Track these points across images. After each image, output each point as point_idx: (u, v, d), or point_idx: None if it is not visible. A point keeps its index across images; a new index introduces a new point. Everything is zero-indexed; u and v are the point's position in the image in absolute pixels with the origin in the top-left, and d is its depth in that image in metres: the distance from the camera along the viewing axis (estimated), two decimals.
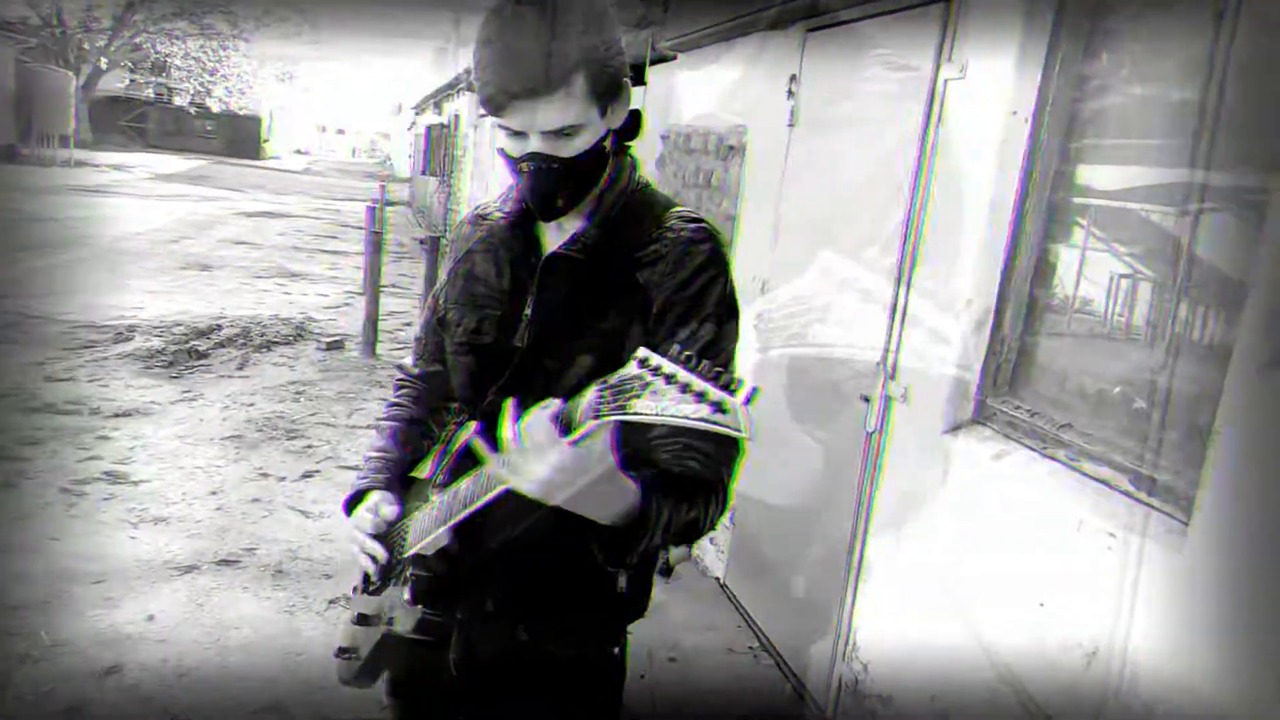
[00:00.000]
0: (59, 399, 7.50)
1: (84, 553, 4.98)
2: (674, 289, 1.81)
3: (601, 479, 1.53)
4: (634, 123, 1.94)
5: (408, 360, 2.34)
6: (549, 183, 1.79)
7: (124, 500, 5.70)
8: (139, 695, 3.84)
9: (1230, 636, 2.23)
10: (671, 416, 1.28)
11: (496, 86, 1.71)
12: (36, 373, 8.17)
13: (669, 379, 1.31)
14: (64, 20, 41.81)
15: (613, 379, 1.39)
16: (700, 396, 1.27)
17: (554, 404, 1.47)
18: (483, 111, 1.82)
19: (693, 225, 1.87)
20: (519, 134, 1.77)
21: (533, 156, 1.77)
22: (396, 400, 2.29)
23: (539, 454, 1.47)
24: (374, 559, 2.04)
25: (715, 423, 1.26)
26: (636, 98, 1.96)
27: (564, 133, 1.75)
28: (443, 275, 2.19)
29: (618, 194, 1.93)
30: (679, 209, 1.93)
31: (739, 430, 1.26)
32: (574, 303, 1.87)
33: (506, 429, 1.52)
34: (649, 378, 1.33)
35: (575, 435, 1.43)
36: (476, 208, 2.20)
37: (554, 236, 1.96)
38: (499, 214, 2.05)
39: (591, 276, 1.87)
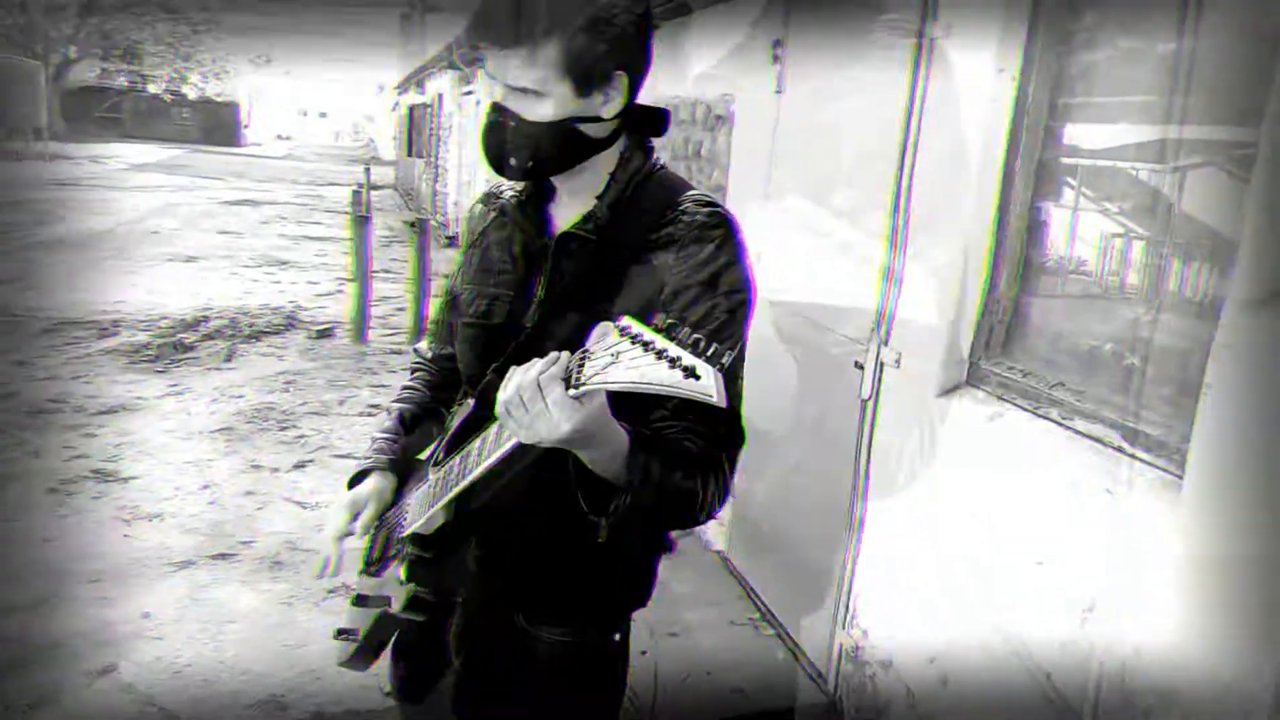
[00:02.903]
0: (41, 397, 7.44)
1: (77, 552, 4.94)
2: (687, 273, 1.78)
3: (592, 421, 1.51)
4: (657, 121, 1.97)
5: (423, 344, 2.35)
6: (500, 138, 1.83)
7: (115, 498, 5.65)
8: (135, 694, 3.81)
9: (1223, 588, 2.24)
10: (645, 383, 1.29)
11: (474, 28, 1.78)
12: (18, 371, 8.10)
13: (646, 346, 1.32)
14: (28, 7, 41.40)
15: (593, 346, 1.41)
16: (674, 362, 1.28)
17: (562, 359, 1.47)
18: (471, 89, 1.85)
19: (707, 209, 1.85)
20: (495, 84, 1.80)
21: (493, 107, 1.82)
22: (409, 383, 2.31)
23: (547, 407, 1.47)
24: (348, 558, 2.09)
25: (687, 389, 1.27)
26: None
27: (528, 92, 1.75)
28: (454, 256, 2.20)
29: (630, 175, 1.91)
30: (693, 192, 1.91)
31: (709, 395, 1.26)
32: (585, 283, 1.86)
33: (512, 377, 1.51)
34: (627, 346, 1.34)
35: (574, 392, 1.43)
36: (490, 187, 2.20)
37: (565, 216, 1.95)
38: (511, 193, 2.04)
39: (603, 257, 1.86)
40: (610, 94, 1.82)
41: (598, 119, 1.83)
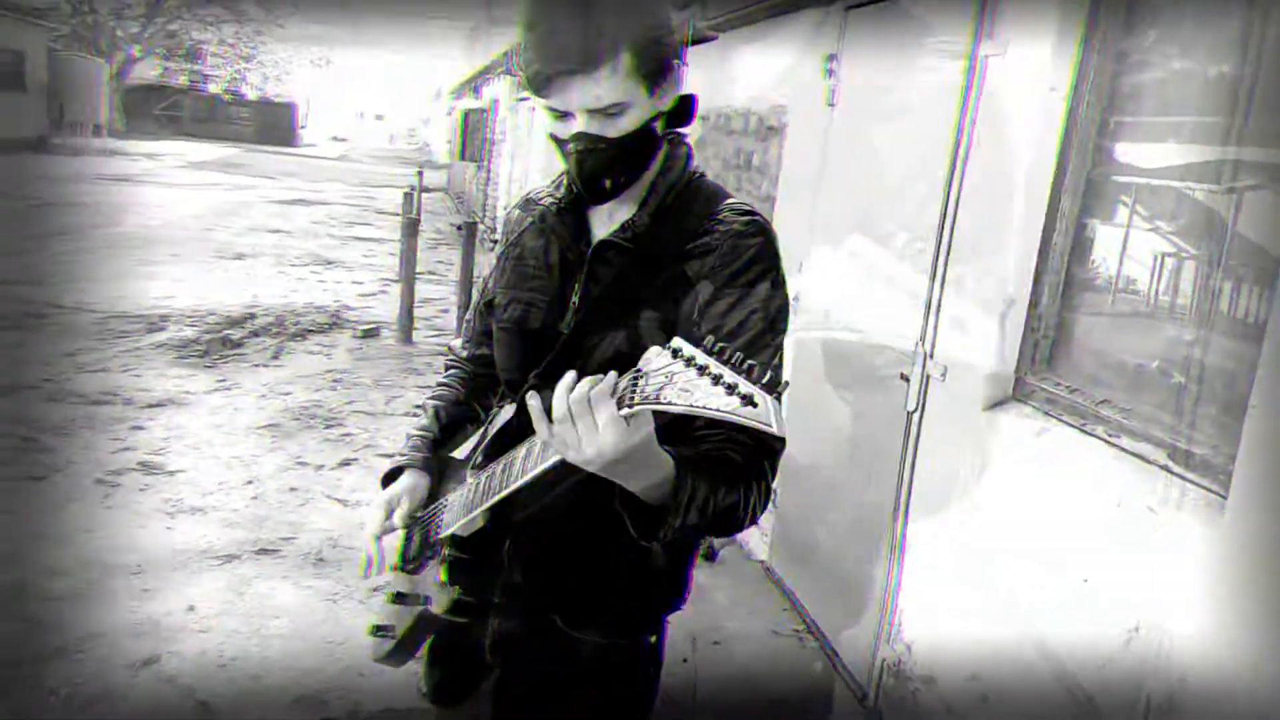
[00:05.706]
0: (92, 389, 7.53)
1: (120, 544, 4.99)
2: (723, 282, 1.78)
3: (639, 448, 1.48)
4: (685, 108, 1.90)
5: (457, 342, 2.35)
6: (597, 164, 1.76)
7: (160, 490, 5.72)
8: (177, 686, 3.85)
9: (1269, 609, 2.21)
10: (702, 408, 1.26)
11: (541, 65, 1.68)
12: (68, 363, 8.19)
13: (701, 370, 1.29)
14: (96, 7, 42.04)
15: (646, 367, 1.38)
16: (731, 389, 1.26)
17: (611, 377, 1.44)
18: (526, 95, 1.78)
19: (745, 218, 1.85)
20: (565, 115, 1.74)
21: (579, 137, 1.74)
22: (443, 381, 2.32)
23: (596, 425, 1.43)
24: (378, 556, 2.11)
25: (745, 416, 1.24)
26: None
27: (610, 111, 1.71)
28: (493, 260, 2.19)
29: (670, 182, 1.90)
30: (732, 201, 1.90)
31: (768, 424, 1.24)
32: (622, 290, 1.85)
33: (559, 399, 1.47)
34: (681, 368, 1.31)
35: (628, 411, 1.39)
36: (528, 193, 2.18)
37: (604, 223, 1.93)
38: (550, 199, 2.02)
39: (641, 265, 1.85)
40: (667, 86, 1.80)
41: (660, 114, 1.82)
